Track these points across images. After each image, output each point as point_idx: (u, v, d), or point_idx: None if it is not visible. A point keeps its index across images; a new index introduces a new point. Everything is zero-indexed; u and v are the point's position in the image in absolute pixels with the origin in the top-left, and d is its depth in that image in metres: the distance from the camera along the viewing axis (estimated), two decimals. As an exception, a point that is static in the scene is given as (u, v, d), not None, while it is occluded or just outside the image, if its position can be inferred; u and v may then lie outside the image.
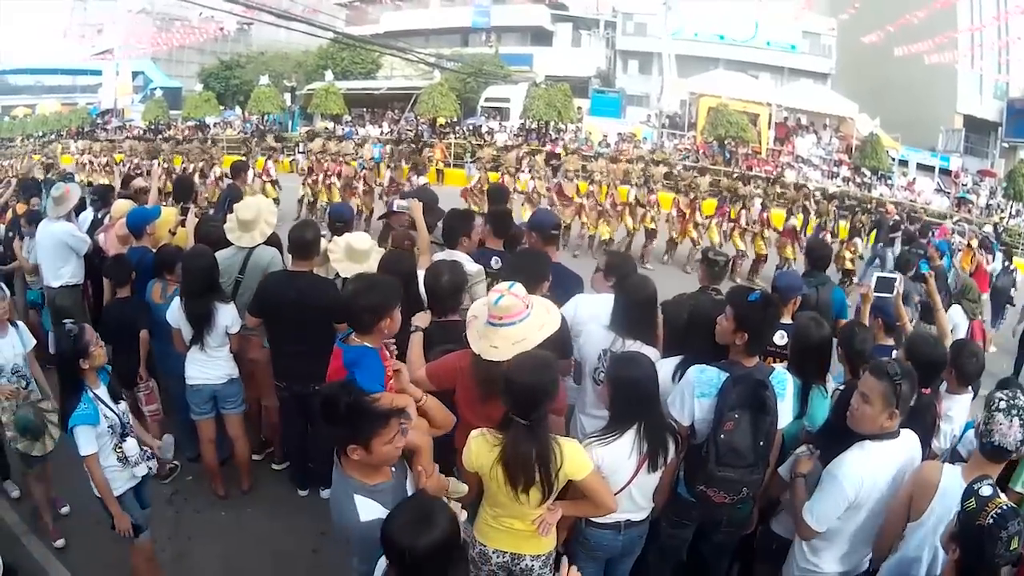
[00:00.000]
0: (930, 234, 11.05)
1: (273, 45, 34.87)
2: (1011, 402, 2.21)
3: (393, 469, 2.11)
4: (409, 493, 2.11)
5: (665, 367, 2.85)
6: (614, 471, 2.44)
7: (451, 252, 3.78)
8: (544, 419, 2.26)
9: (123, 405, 3.17)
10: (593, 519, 2.57)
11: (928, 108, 29.41)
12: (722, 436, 2.49)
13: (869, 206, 14.00)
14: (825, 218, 12.24)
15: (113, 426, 3.03)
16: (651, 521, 2.73)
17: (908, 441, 2.44)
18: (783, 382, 2.66)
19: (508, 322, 2.50)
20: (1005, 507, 1.87)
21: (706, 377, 2.60)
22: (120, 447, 3.04)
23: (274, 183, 13.43)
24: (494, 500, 2.37)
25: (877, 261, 11.24)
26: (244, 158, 11.73)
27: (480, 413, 2.55)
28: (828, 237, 11.03)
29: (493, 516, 2.41)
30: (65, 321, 3.17)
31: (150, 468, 3.20)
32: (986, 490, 1.90)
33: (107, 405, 3.04)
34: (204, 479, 4.18)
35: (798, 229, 10.81)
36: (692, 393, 2.60)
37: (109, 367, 3.24)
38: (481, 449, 2.29)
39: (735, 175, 15.90)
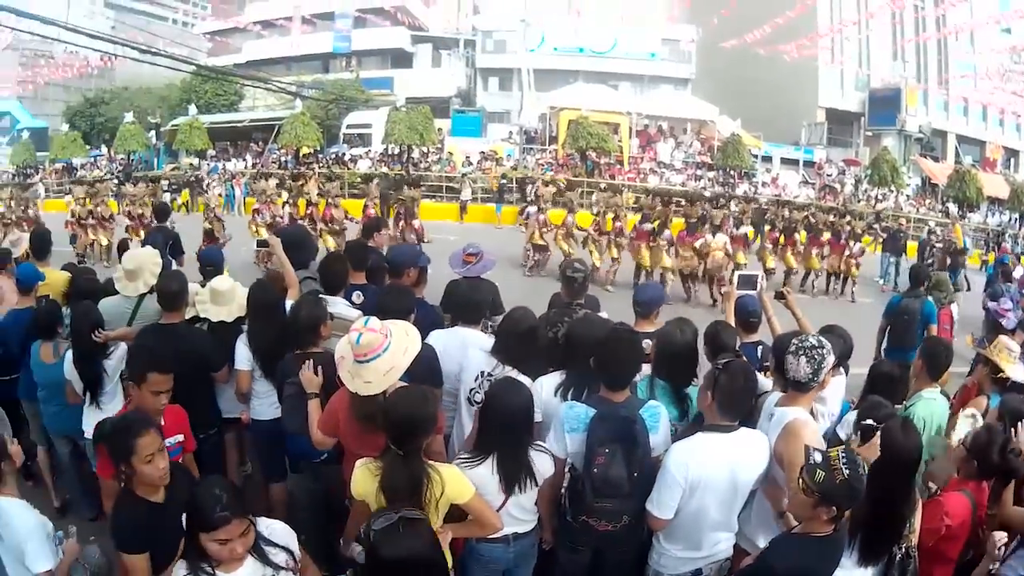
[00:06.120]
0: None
1: (137, 79, 33.68)
2: (799, 345, 2.59)
3: None
4: None
5: (547, 384, 2.98)
6: (483, 493, 2.52)
7: (333, 300, 3.79)
8: (418, 450, 2.36)
9: None
10: None
11: (790, 105, 30.66)
12: (595, 470, 2.55)
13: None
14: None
15: None
16: (550, 550, 2.84)
17: (749, 439, 2.55)
18: (655, 415, 2.70)
19: (373, 356, 2.62)
20: (838, 453, 2.13)
21: (574, 413, 2.66)
22: None
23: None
24: None
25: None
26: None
27: (365, 443, 2.62)
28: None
29: None
30: None
31: None
32: (816, 456, 2.13)
33: None
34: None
35: (749, 238, 12.18)
36: (563, 428, 2.66)
37: None
38: (365, 478, 2.39)
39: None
